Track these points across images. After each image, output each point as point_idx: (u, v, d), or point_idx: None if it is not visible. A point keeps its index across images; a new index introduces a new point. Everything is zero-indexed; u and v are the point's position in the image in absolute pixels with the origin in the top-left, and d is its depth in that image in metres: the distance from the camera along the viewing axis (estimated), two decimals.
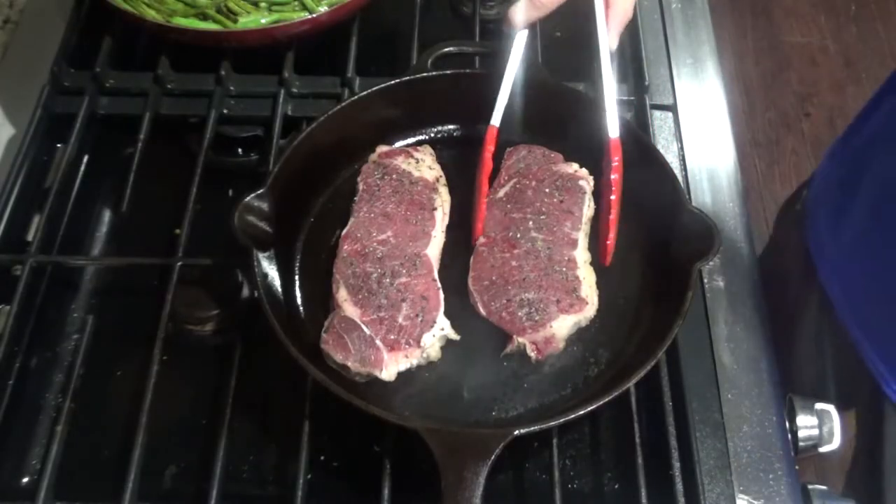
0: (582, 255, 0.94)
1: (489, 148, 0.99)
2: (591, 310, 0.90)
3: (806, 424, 0.94)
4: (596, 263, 0.95)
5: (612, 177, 0.94)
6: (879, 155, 1.06)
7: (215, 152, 1.10)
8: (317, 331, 0.89)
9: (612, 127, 0.95)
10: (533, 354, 0.88)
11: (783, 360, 0.99)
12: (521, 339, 0.88)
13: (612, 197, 0.94)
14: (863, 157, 1.10)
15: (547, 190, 0.98)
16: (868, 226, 1.05)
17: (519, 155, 1.02)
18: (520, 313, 0.89)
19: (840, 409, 1.20)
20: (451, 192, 1.01)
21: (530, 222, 0.96)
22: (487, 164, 0.99)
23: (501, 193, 0.99)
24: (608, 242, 0.94)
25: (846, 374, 1.19)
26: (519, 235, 0.95)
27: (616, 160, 0.94)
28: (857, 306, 1.08)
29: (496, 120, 1.00)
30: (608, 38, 1.00)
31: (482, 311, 0.91)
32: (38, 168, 1.07)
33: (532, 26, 1.19)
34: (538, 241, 0.94)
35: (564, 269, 0.92)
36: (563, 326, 0.89)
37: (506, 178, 1.01)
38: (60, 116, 1.10)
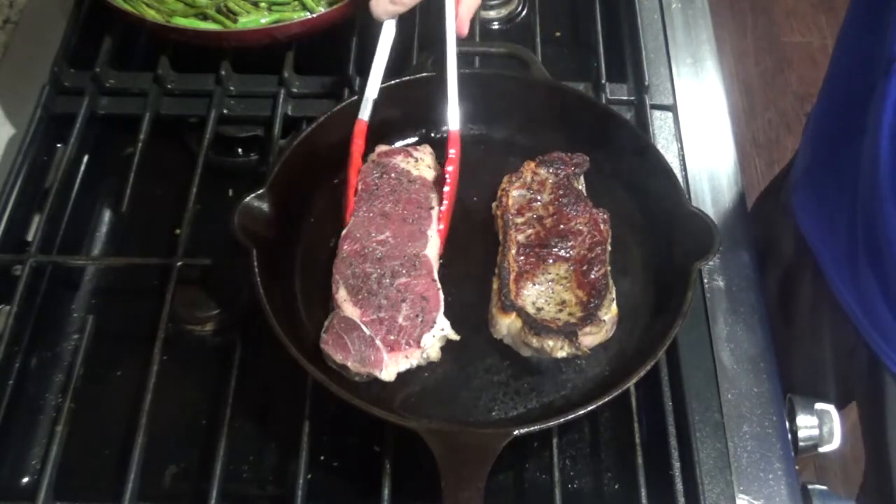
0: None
1: (357, 143, 1.00)
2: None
3: (806, 424, 0.94)
4: None
5: (448, 168, 0.97)
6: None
7: (215, 152, 1.10)
8: (317, 331, 0.89)
9: (453, 119, 0.99)
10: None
11: (783, 361, 0.99)
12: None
13: (446, 189, 0.97)
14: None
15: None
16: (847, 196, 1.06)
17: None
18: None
19: (839, 402, 1.21)
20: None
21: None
22: (356, 160, 1.00)
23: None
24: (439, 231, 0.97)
25: (843, 360, 1.19)
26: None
27: (453, 153, 0.98)
28: (844, 272, 1.08)
29: (364, 114, 1.00)
30: (456, 26, 1.02)
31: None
32: (38, 168, 1.07)
33: (532, 26, 1.20)
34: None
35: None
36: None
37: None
38: (60, 116, 1.10)
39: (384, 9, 0.99)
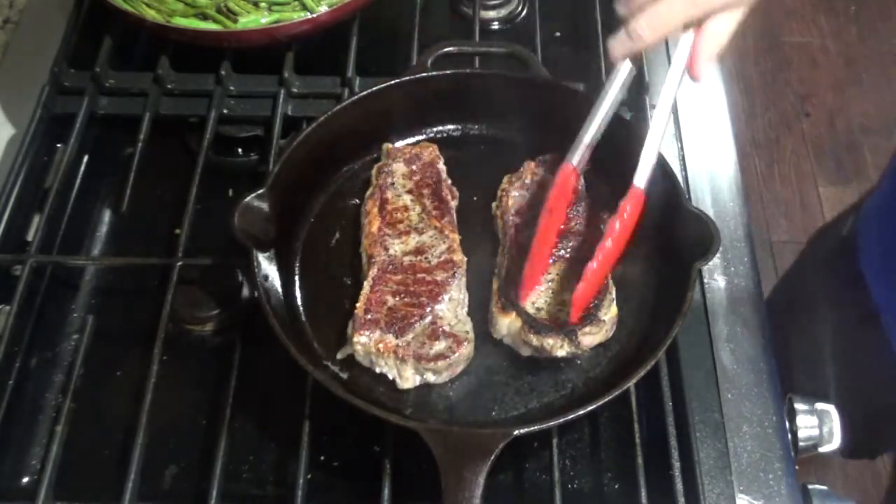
0: None
1: (566, 193, 0.90)
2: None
3: (806, 424, 0.94)
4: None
5: (616, 225, 0.87)
6: None
7: (215, 152, 1.10)
8: (317, 331, 0.89)
9: (641, 175, 0.88)
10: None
11: (783, 361, 0.99)
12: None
13: (609, 244, 0.86)
14: None
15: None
16: None
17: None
18: None
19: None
20: (452, 192, 1.01)
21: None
22: (559, 212, 0.90)
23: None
24: (583, 295, 0.86)
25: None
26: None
27: (627, 211, 0.87)
28: None
29: (575, 159, 0.90)
30: (693, 69, 0.87)
31: None
32: (38, 168, 1.07)
33: (532, 26, 1.20)
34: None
35: None
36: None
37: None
38: (60, 116, 1.10)
39: (622, 48, 0.86)
